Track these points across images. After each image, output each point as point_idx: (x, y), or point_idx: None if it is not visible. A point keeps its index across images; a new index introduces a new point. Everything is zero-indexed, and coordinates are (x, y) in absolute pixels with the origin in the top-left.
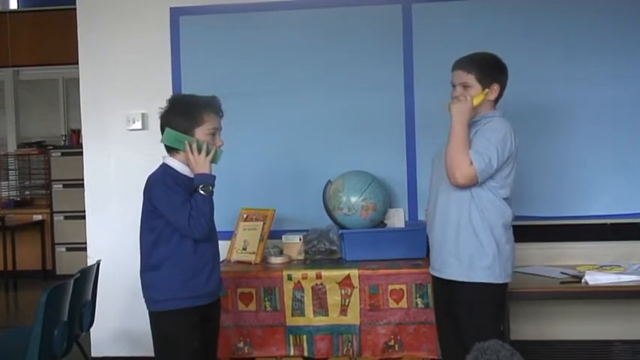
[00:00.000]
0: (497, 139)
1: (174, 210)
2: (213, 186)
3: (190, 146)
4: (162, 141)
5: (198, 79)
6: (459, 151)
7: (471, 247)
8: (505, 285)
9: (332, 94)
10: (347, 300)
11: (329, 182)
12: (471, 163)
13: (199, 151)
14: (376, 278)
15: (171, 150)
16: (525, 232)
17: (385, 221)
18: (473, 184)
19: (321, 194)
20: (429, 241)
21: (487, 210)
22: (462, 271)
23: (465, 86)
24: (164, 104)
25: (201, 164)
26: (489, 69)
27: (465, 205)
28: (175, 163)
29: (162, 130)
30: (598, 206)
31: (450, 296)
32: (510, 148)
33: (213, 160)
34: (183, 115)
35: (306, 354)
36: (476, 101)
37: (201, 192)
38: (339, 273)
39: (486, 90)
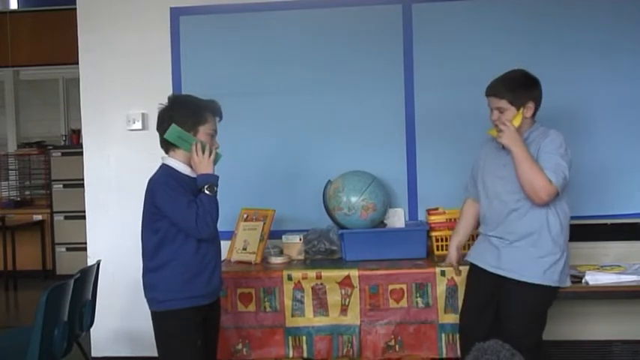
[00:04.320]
0: (560, 152)
1: (181, 211)
2: (217, 186)
3: (195, 146)
4: (165, 136)
5: (198, 79)
6: (534, 174)
7: (549, 253)
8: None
9: (332, 94)
10: (347, 300)
11: (329, 182)
12: (550, 181)
13: (203, 151)
14: (376, 278)
15: (169, 149)
16: None
17: (385, 221)
18: (555, 196)
19: (321, 194)
20: (489, 242)
21: (562, 211)
22: (538, 275)
23: (501, 110)
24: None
25: (205, 164)
26: (520, 90)
27: (544, 214)
28: (175, 163)
29: (160, 126)
30: (598, 206)
31: (502, 295)
32: (570, 154)
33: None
34: (188, 111)
35: (305, 355)
36: (516, 122)
37: (207, 192)
38: (339, 273)
39: (522, 109)
